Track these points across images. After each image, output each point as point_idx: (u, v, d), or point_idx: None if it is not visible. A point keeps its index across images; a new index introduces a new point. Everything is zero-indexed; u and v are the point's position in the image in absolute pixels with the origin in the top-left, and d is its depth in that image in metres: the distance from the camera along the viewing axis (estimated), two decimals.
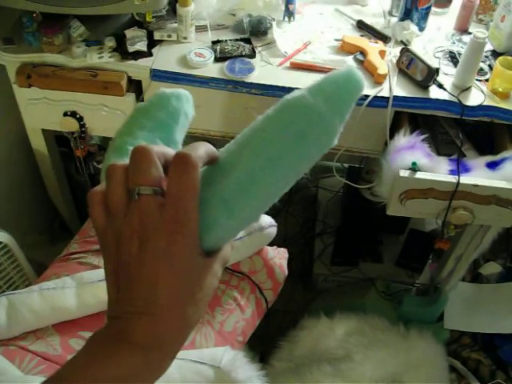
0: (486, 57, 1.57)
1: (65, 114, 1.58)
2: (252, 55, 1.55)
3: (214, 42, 1.58)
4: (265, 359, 1.73)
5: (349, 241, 2.15)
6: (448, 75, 1.53)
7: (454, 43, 1.63)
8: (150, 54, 1.54)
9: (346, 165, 2.15)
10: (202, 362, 1.23)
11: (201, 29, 1.61)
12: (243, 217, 0.49)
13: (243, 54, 1.54)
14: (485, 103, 1.45)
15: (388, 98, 1.46)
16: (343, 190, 2.28)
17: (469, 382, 1.86)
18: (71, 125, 1.59)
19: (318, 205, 2.31)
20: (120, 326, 0.45)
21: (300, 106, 0.49)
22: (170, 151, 0.48)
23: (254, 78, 1.48)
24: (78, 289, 1.34)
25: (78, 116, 1.58)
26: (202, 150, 0.47)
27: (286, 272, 1.49)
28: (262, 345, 1.75)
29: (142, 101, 1.58)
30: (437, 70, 1.46)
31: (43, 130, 1.73)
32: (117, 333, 0.45)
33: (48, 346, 1.31)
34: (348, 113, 0.50)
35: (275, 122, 0.50)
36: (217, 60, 1.53)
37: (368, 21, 1.68)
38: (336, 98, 0.49)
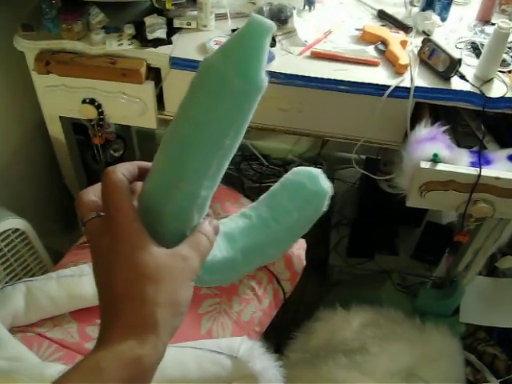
0: (510, 48, 1.54)
1: (83, 102, 1.58)
2: (272, 44, 1.53)
3: (233, 31, 1.57)
4: (280, 350, 1.72)
5: (365, 233, 2.13)
6: (470, 66, 1.50)
7: (477, 34, 1.61)
8: (170, 42, 1.53)
9: (363, 156, 2.14)
10: (219, 352, 1.23)
11: (221, 17, 1.60)
12: (191, 189, 0.55)
13: None
14: (508, 95, 1.43)
15: (409, 88, 1.45)
16: (360, 182, 2.27)
17: (484, 376, 1.84)
18: (89, 112, 1.59)
19: (334, 196, 2.29)
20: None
21: (201, 67, 0.53)
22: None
23: (274, 66, 1.47)
24: None
25: (96, 103, 1.58)
26: (125, 164, 0.56)
27: (304, 262, 1.48)
28: (277, 336, 1.75)
29: (161, 90, 1.57)
30: (459, 61, 1.44)
31: (61, 117, 1.73)
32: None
33: (65, 333, 1.31)
34: (255, 59, 0.51)
35: (189, 89, 0.54)
36: None
37: (389, 10, 1.66)
38: (233, 50, 0.51)
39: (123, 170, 0.54)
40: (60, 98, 1.59)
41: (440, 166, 1.38)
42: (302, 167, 0.64)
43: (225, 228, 0.63)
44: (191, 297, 0.53)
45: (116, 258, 0.51)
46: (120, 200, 0.52)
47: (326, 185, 0.63)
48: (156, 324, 0.49)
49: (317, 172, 0.63)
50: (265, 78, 0.52)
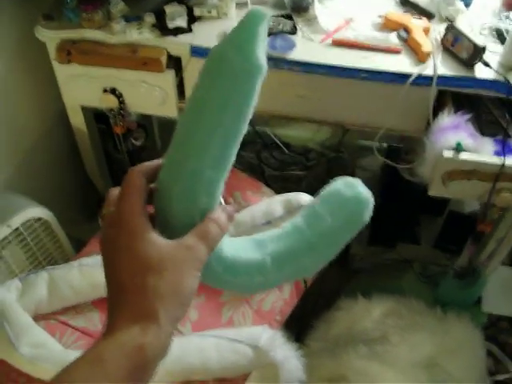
0: None
1: (104, 91, 1.58)
2: (293, 31, 1.52)
3: None
4: (300, 339, 1.72)
5: (386, 221, 2.11)
6: (495, 53, 1.48)
7: (501, 20, 1.58)
8: (190, 30, 1.52)
9: (384, 144, 2.11)
10: (239, 341, 1.24)
11: (241, 5, 1.59)
12: (194, 166, 0.56)
13: (284, 30, 1.51)
14: None
15: (432, 76, 1.43)
16: (381, 170, 2.25)
17: (506, 366, 1.83)
18: (110, 101, 1.59)
19: None
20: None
21: (208, 54, 0.56)
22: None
23: (295, 54, 1.46)
24: None
25: (117, 92, 1.58)
26: (146, 164, 0.58)
27: None
28: (298, 324, 1.74)
29: (182, 79, 1.57)
30: (483, 48, 1.42)
31: (82, 106, 1.73)
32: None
33: (87, 322, 1.33)
34: (253, 41, 0.55)
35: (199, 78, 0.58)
36: None
37: None
38: (234, 34, 0.55)
39: (143, 169, 0.56)
40: (81, 88, 1.60)
41: (463, 155, 1.36)
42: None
43: (255, 236, 0.63)
44: (197, 287, 0.53)
45: (120, 249, 0.52)
46: (130, 195, 0.54)
47: (364, 191, 0.61)
48: (157, 314, 0.49)
49: (354, 179, 0.62)
50: (264, 60, 0.56)
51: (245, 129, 0.58)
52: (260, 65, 0.56)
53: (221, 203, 0.60)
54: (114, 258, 0.52)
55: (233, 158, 0.58)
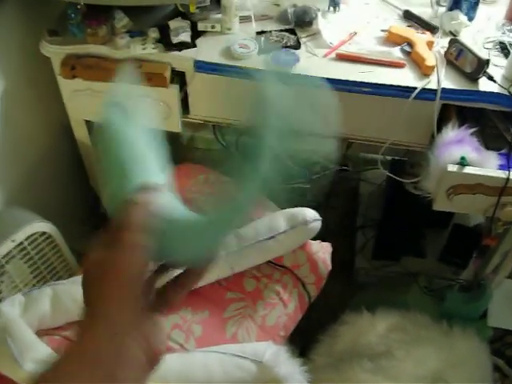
0: None
1: None
2: (297, 46, 1.52)
3: (258, 33, 1.56)
4: (305, 353, 1.71)
5: (391, 235, 2.11)
6: (498, 67, 1.48)
7: (505, 33, 1.58)
8: (194, 45, 1.53)
9: (388, 157, 2.11)
10: (243, 357, 1.23)
11: (245, 19, 1.60)
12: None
13: (288, 44, 1.52)
14: None
15: (436, 90, 1.43)
16: (385, 183, 2.25)
17: None
18: None
19: (360, 197, 2.28)
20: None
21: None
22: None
23: (299, 69, 1.46)
24: None
25: None
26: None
27: (330, 267, 1.47)
28: (302, 339, 1.74)
29: (186, 93, 1.57)
30: (487, 62, 1.42)
31: (86, 120, 1.74)
32: None
33: None
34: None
35: None
36: (261, 51, 1.51)
37: (415, 11, 1.64)
38: None
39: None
40: (86, 102, 1.60)
41: (468, 169, 1.36)
42: None
43: None
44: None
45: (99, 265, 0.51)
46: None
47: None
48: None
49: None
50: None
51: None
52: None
53: None
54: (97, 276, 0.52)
55: None
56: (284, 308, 1.41)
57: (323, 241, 1.52)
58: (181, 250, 0.56)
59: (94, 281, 0.50)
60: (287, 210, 1.42)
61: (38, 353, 1.23)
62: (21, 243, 1.54)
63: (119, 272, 0.49)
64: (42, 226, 1.59)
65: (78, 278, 1.38)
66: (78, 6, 1.51)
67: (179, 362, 1.21)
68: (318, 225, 1.42)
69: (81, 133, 1.78)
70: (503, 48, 1.54)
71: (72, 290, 1.36)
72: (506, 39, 1.55)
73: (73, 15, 1.51)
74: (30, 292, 1.35)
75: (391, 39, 1.56)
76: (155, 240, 0.52)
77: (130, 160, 0.60)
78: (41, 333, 1.32)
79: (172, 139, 2.29)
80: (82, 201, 2.12)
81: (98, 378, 0.47)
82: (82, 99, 1.60)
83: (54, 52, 1.56)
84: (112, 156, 0.61)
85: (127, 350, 0.49)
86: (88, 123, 1.75)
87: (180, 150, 2.38)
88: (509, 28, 1.60)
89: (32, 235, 1.56)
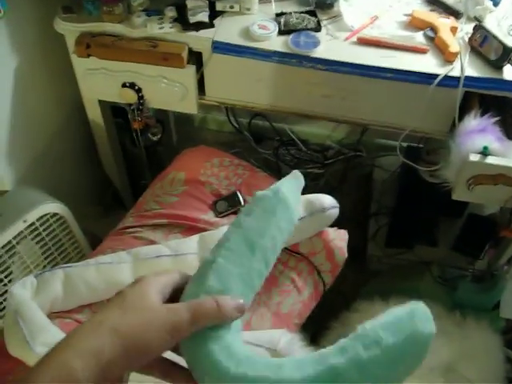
0: None
1: (123, 86, 1.56)
2: (317, 29, 1.49)
3: (277, 15, 1.53)
4: (316, 340, 1.70)
5: (404, 222, 2.09)
6: None
7: None
8: (212, 26, 1.49)
9: (404, 144, 2.08)
10: (258, 345, 1.21)
11: (264, 0, 1.56)
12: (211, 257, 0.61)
13: (308, 27, 1.48)
14: None
15: (459, 77, 1.39)
16: (400, 170, 2.22)
17: None
18: (130, 96, 1.57)
19: (374, 184, 2.25)
20: None
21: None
22: None
23: (319, 52, 1.43)
24: (135, 264, 1.32)
25: (136, 87, 1.56)
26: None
27: (346, 255, 1.45)
28: (313, 326, 1.72)
29: (202, 75, 1.55)
30: None
31: (100, 100, 1.71)
32: None
33: None
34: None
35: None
36: (281, 33, 1.47)
37: None
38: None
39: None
40: (100, 82, 1.58)
41: (490, 159, 1.33)
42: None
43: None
44: (159, 349, 0.52)
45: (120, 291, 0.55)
46: (165, 273, 0.58)
47: (428, 327, 0.55)
48: (102, 341, 0.49)
49: (421, 308, 0.56)
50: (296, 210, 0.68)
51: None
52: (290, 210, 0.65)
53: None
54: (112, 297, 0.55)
55: (262, 265, 0.61)
56: (298, 295, 1.39)
57: (336, 227, 1.50)
58: None
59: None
60: (305, 196, 1.40)
61: (50, 336, 1.21)
62: (32, 224, 1.53)
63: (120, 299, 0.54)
64: (53, 206, 1.57)
65: (91, 261, 1.37)
66: None
67: None
68: (335, 212, 1.40)
69: (94, 113, 1.75)
70: None
71: (84, 273, 1.34)
72: None
73: None
74: (41, 274, 1.33)
75: (414, 24, 1.52)
76: None
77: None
78: (52, 316, 1.30)
79: (184, 120, 2.26)
80: (93, 181, 2.10)
81: None
82: (95, 78, 1.57)
83: (69, 30, 1.53)
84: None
85: None
86: (101, 103, 1.72)
87: (191, 130, 2.35)
88: None
89: (43, 216, 1.55)
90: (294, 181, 0.70)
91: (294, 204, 0.66)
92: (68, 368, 0.47)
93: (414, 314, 0.55)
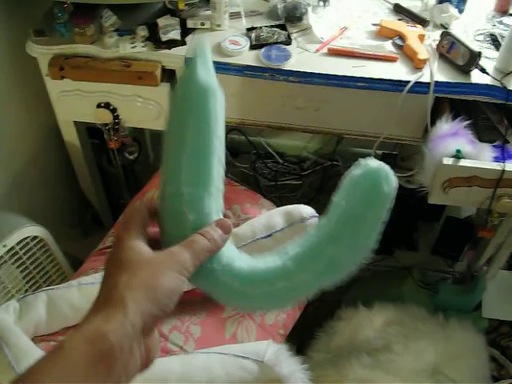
0: None
1: (98, 106, 1.56)
2: (288, 42, 1.51)
3: (248, 30, 1.55)
4: (302, 350, 1.71)
5: (384, 228, 2.11)
6: (490, 59, 1.48)
7: (495, 25, 1.58)
8: (184, 43, 1.51)
9: (379, 151, 2.11)
10: (245, 357, 1.22)
11: (234, 16, 1.58)
12: (172, 188, 0.61)
13: (279, 40, 1.50)
14: None
15: (429, 83, 1.42)
16: None
17: (509, 371, 1.83)
18: (105, 116, 1.57)
19: None
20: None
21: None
22: None
23: (291, 65, 1.45)
24: None
25: (111, 107, 1.56)
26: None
27: None
28: (299, 336, 1.73)
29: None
30: (479, 54, 1.41)
31: (75, 121, 1.71)
32: None
33: None
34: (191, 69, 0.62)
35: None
36: (252, 47, 1.49)
37: (405, 4, 1.64)
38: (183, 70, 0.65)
39: (147, 201, 0.61)
40: (74, 103, 1.58)
41: (463, 162, 1.35)
42: None
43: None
44: (178, 289, 0.54)
45: (112, 259, 0.56)
46: (129, 219, 0.58)
47: (374, 163, 0.60)
48: (124, 302, 0.50)
49: (364, 159, 0.61)
50: (207, 81, 0.60)
51: (219, 144, 0.61)
52: (201, 85, 0.60)
53: (226, 215, 0.63)
54: (106, 268, 0.56)
55: (215, 173, 0.61)
56: None
57: None
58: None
59: (103, 278, 0.55)
60: (284, 207, 1.41)
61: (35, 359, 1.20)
62: (12, 248, 1.51)
63: (117, 263, 0.54)
64: (33, 229, 1.56)
65: (73, 283, 1.37)
66: (65, 5, 1.48)
67: (180, 365, 1.20)
68: (315, 221, 1.41)
69: (69, 134, 1.75)
70: (494, 40, 1.54)
71: (67, 294, 1.33)
72: (497, 31, 1.55)
73: (60, 14, 1.48)
74: (24, 298, 1.32)
75: (382, 33, 1.55)
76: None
77: (210, 161, 0.61)
78: (37, 339, 1.29)
79: (160, 138, 2.27)
80: (70, 203, 2.09)
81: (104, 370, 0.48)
82: (70, 100, 1.58)
83: (41, 52, 1.54)
84: (190, 135, 0.60)
85: (132, 349, 0.51)
86: (77, 124, 1.72)
87: None
88: (499, 20, 1.60)
89: (23, 239, 1.53)
90: (202, 58, 0.63)
91: (214, 85, 0.62)
92: (101, 333, 0.48)
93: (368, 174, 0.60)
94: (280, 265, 0.60)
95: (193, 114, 0.60)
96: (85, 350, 0.47)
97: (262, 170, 2.27)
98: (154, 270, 0.53)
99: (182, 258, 0.55)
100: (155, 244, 0.59)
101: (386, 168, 0.59)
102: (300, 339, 1.77)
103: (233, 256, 0.61)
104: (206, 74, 0.61)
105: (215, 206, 0.61)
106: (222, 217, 0.62)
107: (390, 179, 0.59)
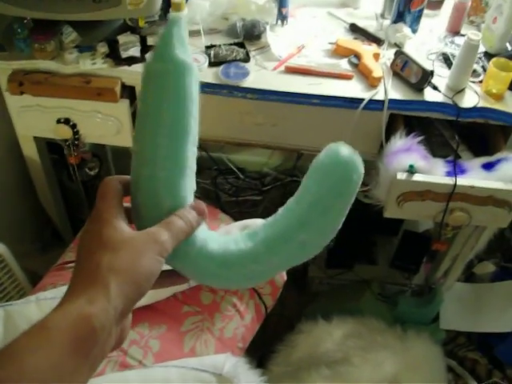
0: (479, 58, 1.57)
1: (58, 122, 1.56)
2: (246, 59, 1.54)
3: (207, 47, 1.57)
4: (262, 364, 1.72)
5: (343, 243, 2.14)
6: (442, 77, 1.53)
7: (447, 45, 1.64)
8: (144, 60, 1.52)
9: None
10: (203, 370, 1.22)
11: (194, 33, 1.60)
12: (148, 171, 0.61)
13: (237, 58, 1.53)
14: (479, 105, 1.46)
15: (383, 101, 1.46)
16: None
17: (466, 381, 1.86)
18: (65, 132, 1.57)
19: None
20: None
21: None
22: None
23: (249, 82, 1.48)
24: None
25: (71, 123, 1.56)
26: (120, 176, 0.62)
27: (285, 277, 1.48)
28: (259, 349, 1.74)
29: (136, 108, 1.57)
30: (431, 72, 1.46)
31: (35, 137, 1.71)
32: None
33: None
34: (167, 43, 0.60)
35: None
36: (211, 65, 1.52)
37: (361, 24, 1.68)
38: (156, 46, 0.61)
39: (120, 178, 0.61)
40: (34, 119, 1.58)
41: (416, 177, 1.39)
42: None
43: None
44: (157, 270, 0.55)
45: (90, 236, 0.55)
46: (106, 194, 0.58)
47: (346, 152, 0.62)
48: (107, 286, 0.50)
49: (335, 145, 0.63)
50: (184, 57, 0.60)
51: (194, 125, 0.62)
52: (178, 62, 0.59)
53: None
54: (84, 243, 0.56)
55: (190, 153, 0.62)
56: (241, 319, 1.41)
57: None
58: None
59: (81, 252, 0.55)
60: (241, 221, 1.43)
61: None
62: None
63: (98, 241, 0.54)
64: None
65: (31, 298, 1.36)
66: (25, 21, 1.49)
67: (139, 379, 1.20)
68: None
69: (29, 149, 1.74)
70: (446, 59, 1.59)
71: (25, 310, 1.32)
72: (448, 50, 1.61)
73: (19, 30, 1.48)
74: None
75: (339, 51, 1.59)
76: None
77: (186, 143, 0.61)
78: None
79: (121, 153, 2.27)
80: (30, 219, 2.07)
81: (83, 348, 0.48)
82: (30, 115, 1.58)
83: (0, 68, 1.53)
84: (167, 116, 0.60)
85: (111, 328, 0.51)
86: (37, 139, 1.72)
87: (129, 164, 2.34)
88: (450, 40, 1.66)
89: None
90: (177, 34, 0.61)
91: (191, 62, 0.62)
92: (84, 316, 0.48)
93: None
94: (252, 248, 0.61)
95: (169, 94, 0.60)
96: (67, 332, 0.47)
97: (222, 185, 2.29)
98: (135, 252, 0.53)
99: (161, 239, 0.55)
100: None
101: (355, 157, 0.62)
102: (261, 353, 1.78)
103: (205, 238, 0.62)
104: (182, 51, 0.60)
105: (190, 187, 0.62)
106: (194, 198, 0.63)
107: (359, 168, 0.62)
